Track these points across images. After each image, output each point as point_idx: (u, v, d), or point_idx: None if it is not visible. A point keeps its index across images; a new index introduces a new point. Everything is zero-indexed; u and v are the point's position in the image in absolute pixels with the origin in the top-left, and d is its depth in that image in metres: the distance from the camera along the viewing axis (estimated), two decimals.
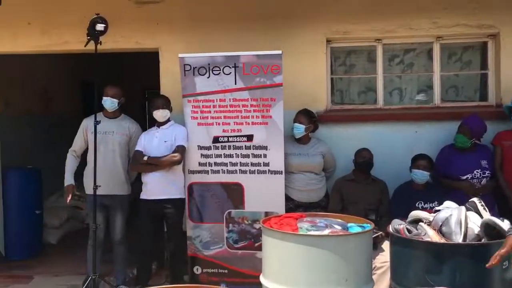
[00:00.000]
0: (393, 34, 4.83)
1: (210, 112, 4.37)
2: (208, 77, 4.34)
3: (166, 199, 4.30)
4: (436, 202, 4.02)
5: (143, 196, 4.38)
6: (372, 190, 4.41)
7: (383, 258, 3.86)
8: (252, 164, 4.34)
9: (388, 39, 4.91)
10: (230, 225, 4.40)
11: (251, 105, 4.29)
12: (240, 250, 4.39)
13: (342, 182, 4.50)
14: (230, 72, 4.30)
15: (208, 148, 4.40)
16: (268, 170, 4.32)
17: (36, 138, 6.87)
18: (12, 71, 6.00)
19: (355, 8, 4.80)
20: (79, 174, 4.64)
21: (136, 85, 9.42)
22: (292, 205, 4.42)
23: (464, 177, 4.37)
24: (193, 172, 4.43)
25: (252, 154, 4.34)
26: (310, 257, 2.93)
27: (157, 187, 4.30)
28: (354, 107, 5.02)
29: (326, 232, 3.06)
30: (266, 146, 4.31)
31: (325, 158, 4.54)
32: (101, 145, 4.34)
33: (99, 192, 4.22)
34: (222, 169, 4.39)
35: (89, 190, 4.40)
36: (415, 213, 3.29)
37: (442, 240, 2.94)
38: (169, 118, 4.45)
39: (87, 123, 4.51)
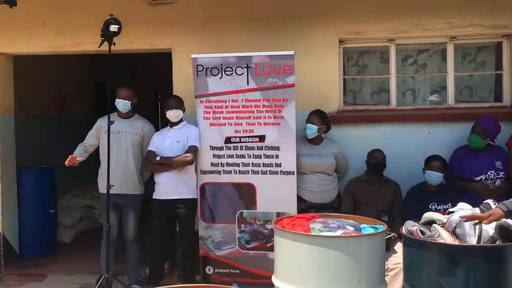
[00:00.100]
0: (407, 35, 4.80)
1: (222, 112, 4.38)
2: (220, 78, 4.35)
3: (178, 199, 4.32)
4: (449, 204, 4.00)
5: (156, 196, 4.40)
6: (384, 191, 4.39)
7: (396, 259, 3.84)
8: (264, 165, 4.34)
9: (401, 39, 4.89)
10: (242, 225, 4.40)
11: (263, 106, 4.30)
12: (252, 250, 4.39)
13: (354, 183, 4.48)
14: (243, 73, 4.30)
15: (220, 148, 4.41)
16: (280, 170, 4.32)
17: (50, 138, 6.94)
18: (27, 72, 6.07)
19: (368, 8, 4.78)
20: (94, 173, 4.68)
21: (149, 85, 9.48)
22: (304, 206, 4.41)
23: (478, 178, 4.34)
24: (205, 172, 4.45)
25: (264, 154, 4.34)
26: (323, 258, 2.92)
27: (169, 187, 4.32)
28: (367, 108, 5.00)
29: (339, 233, 3.05)
30: (278, 147, 4.31)
31: (337, 159, 4.52)
32: (114, 144, 4.37)
33: (112, 191, 4.25)
34: (234, 170, 4.40)
35: (102, 189, 4.43)
36: (428, 215, 3.27)
37: (456, 242, 2.91)
38: (182, 118, 4.47)
39: (101, 123, 4.55)
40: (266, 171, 4.34)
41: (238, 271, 4.42)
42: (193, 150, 4.30)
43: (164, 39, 4.94)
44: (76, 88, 7.84)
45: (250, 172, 4.37)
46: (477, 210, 3.05)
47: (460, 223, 2.97)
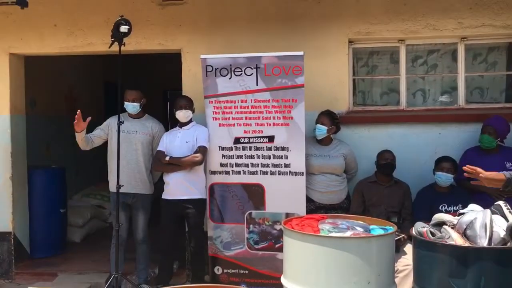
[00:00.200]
0: (417, 35, 4.78)
1: (231, 113, 4.39)
2: (229, 78, 4.35)
3: (187, 199, 4.33)
4: (460, 205, 3.97)
5: (165, 196, 4.42)
6: (394, 192, 4.37)
7: (406, 261, 3.82)
8: (273, 165, 4.34)
9: (411, 39, 4.86)
10: (251, 226, 4.40)
11: (273, 106, 4.30)
12: (261, 251, 4.39)
13: (364, 184, 4.46)
14: (252, 73, 4.31)
15: (229, 149, 4.41)
16: (289, 171, 4.31)
17: (60, 138, 7.00)
18: (38, 72, 6.12)
19: (378, 8, 4.76)
20: (103, 173, 4.71)
21: (158, 86, 9.53)
22: (313, 207, 4.40)
23: None
24: (214, 172, 4.45)
25: (273, 155, 4.34)
26: (332, 259, 2.91)
27: (178, 187, 4.33)
28: (376, 109, 4.98)
29: (348, 234, 3.04)
30: (287, 147, 4.30)
31: (346, 159, 4.51)
32: (124, 143, 4.38)
33: (123, 190, 4.27)
34: (243, 170, 4.40)
35: (113, 188, 4.46)
36: (438, 216, 3.24)
37: (467, 244, 2.89)
38: (191, 118, 4.48)
39: (112, 121, 4.56)
40: (275, 171, 4.34)
41: (246, 272, 4.42)
42: (202, 150, 4.30)
43: (174, 40, 4.96)
44: (86, 88, 7.90)
45: (259, 172, 4.37)
46: (488, 212, 3.02)
47: (471, 225, 2.94)
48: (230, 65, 4.34)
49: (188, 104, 4.45)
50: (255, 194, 4.38)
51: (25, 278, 5.10)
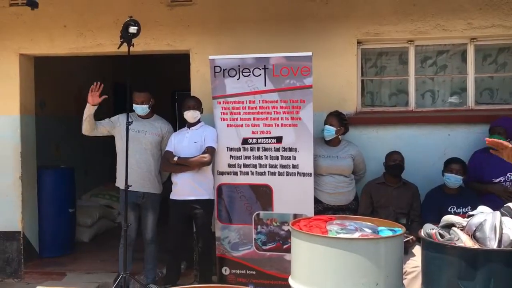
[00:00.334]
0: (426, 35, 4.75)
1: (239, 113, 4.39)
2: (238, 79, 4.35)
3: (195, 199, 4.34)
4: (469, 207, 3.96)
5: (173, 196, 4.42)
6: (403, 193, 4.35)
7: (414, 263, 3.81)
8: (281, 166, 4.34)
9: (420, 40, 4.84)
10: (259, 226, 4.40)
11: (281, 107, 4.29)
12: (269, 252, 4.39)
13: (372, 185, 4.44)
14: (260, 74, 4.31)
15: (237, 149, 4.41)
16: (297, 172, 4.31)
17: (70, 138, 7.04)
18: (48, 73, 6.16)
19: (387, 9, 4.75)
20: (112, 174, 4.72)
21: (166, 86, 9.56)
22: (321, 208, 4.39)
23: (497, 180, 4.31)
24: (222, 173, 4.46)
25: (281, 156, 4.34)
26: (340, 260, 2.90)
27: (186, 187, 4.33)
28: (385, 110, 4.96)
29: (356, 235, 3.04)
30: (295, 148, 4.30)
31: (355, 160, 4.49)
32: (133, 142, 4.38)
33: (132, 188, 4.29)
34: (251, 171, 4.40)
35: (119, 184, 4.49)
36: (447, 218, 3.22)
37: (476, 246, 2.87)
38: (199, 119, 4.49)
39: (121, 118, 4.53)
40: (283, 172, 4.33)
41: (254, 272, 4.42)
42: (210, 151, 4.31)
43: (182, 41, 4.98)
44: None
45: (267, 173, 4.37)
46: (497, 214, 3.00)
47: (480, 227, 2.92)
48: (239, 66, 4.34)
49: (196, 104, 4.45)
50: (263, 195, 4.38)
51: (34, 278, 5.14)
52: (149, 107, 4.56)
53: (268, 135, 4.35)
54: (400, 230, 3.19)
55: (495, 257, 2.80)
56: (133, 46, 4.19)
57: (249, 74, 4.33)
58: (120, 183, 4.45)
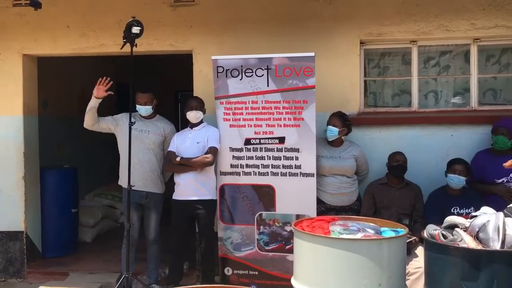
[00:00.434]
0: (429, 36, 4.75)
1: (242, 114, 4.39)
2: (240, 79, 4.36)
3: (197, 200, 4.34)
4: (472, 208, 3.95)
5: (175, 196, 4.43)
6: (405, 194, 4.34)
7: (417, 263, 3.80)
8: (284, 167, 4.34)
9: (423, 40, 4.83)
10: (261, 227, 4.40)
11: (283, 107, 4.29)
12: (271, 252, 4.39)
13: (375, 185, 4.44)
14: (263, 74, 4.31)
15: (240, 150, 4.41)
16: (300, 172, 4.30)
17: (72, 138, 7.05)
18: (50, 72, 6.17)
19: (390, 9, 4.74)
20: (115, 174, 4.73)
21: (169, 86, 9.57)
22: (324, 208, 4.39)
23: (500, 181, 4.31)
24: (224, 173, 4.46)
25: (284, 156, 4.33)
26: (342, 261, 2.90)
27: (189, 187, 4.34)
28: (388, 110, 4.95)
29: (359, 236, 3.03)
30: (298, 149, 4.29)
31: (358, 161, 4.49)
32: (136, 142, 4.39)
33: (135, 188, 4.29)
34: (253, 171, 4.40)
35: (122, 183, 4.50)
36: (450, 219, 3.22)
37: (479, 247, 2.86)
38: (202, 119, 4.49)
39: (124, 118, 4.50)
40: (286, 173, 4.33)
41: (256, 273, 4.42)
42: (213, 151, 4.31)
43: (185, 41, 4.98)
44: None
45: (269, 173, 4.37)
46: (501, 215, 2.99)
47: (484, 228, 2.92)
48: (241, 66, 4.34)
49: (199, 105, 4.46)
50: (266, 195, 4.38)
51: (36, 277, 5.15)
52: (152, 107, 4.57)
53: (271, 136, 4.35)
54: (403, 230, 3.18)
55: (498, 258, 2.79)
56: (136, 47, 4.20)
57: (252, 75, 4.33)
58: (123, 181, 4.46)
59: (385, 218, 3.77)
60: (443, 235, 2.99)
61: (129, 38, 4.11)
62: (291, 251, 3.74)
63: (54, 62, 5.90)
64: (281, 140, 4.33)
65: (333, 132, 4.41)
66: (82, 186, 6.38)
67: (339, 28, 4.77)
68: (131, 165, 4.24)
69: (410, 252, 3.85)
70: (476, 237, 2.92)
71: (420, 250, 3.86)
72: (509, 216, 3.08)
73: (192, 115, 4.43)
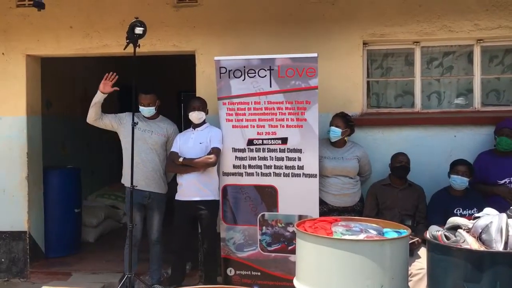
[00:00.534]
0: (432, 37, 4.74)
1: (245, 114, 4.39)
2: (243, 80, 4.36)
3: (200, 200, 4.34)
4: (475, 209, 3.94)
5: (178, 197, 4.43)
6: (408, 195, 4.33)
7: (420, 265, 3.79)
8: (286, 167, 4.34)
9: (426, 41, 4.83)
10: (264, 227, 4.40)
11: (286, 108, 4.29)
12: (273, 253, 4.39)
13: (377, 186, 4.43)
14: (265, 75, 4.31)
15: (243, 150, 4.41)
16: (302, 173, 4.30)
17: (75, 138, 7.07)
18: (53, 73, 6.19)
19: (393, 10, 4.74)
20: (118, 174, 4.73)
21: (172, 87, 9.58)
22: (326, 209, 4.38)
23: (502, 182, 4.31)
24: (227, 174, 4.46)
25: (286, 157, 4.33)
26: (345, 262, 2.90)
27: (191, 188, 4.34)
28: (391, 111, 4.95)
29: (361, 236, 3.03)
30: (301, 149, 4.29)
31: (360, 162, 4.48)
32: (138, 142, 4.39)
33: (138, 187, 4.29)
34: (256, 172, 4.40)
35: (125, 182, 4.50)
36: (453, 220, 3.21)
37: (482, 248, 2.85)
38: (204, 120, 4.49)
39: (127, 118, 4.52)
40: (288, 173, 4.33)
41: (259, 273, 4.42)
42: (216, 151, 4.31)
43: (188, 42, 4.98)
44: None
45: (272, 174, 4.37)
46: (504, 216, 2.99)
47: (486, 229, 2.91)
48: (244, 67, 4.34)
49: (202, 105, 4.46)
50: (268, 196, 4.38)
51: (39, 277, 5.16)
52: (155, 109, 4.57)
53: (273, 136, 4.35)
54: (406, 232, 3.17)
55: (501, 259, 2.78)
56: (139, 47, 4.20)
57: (255, 75, 4.33)
58: (126, 180, 4.47)
59: (387, 219, 3.76)
60: (445, 236, 2.99)
61: (132, 38, 4.12)
62: (293, 251, 3.74)
63: (57, 63, 5.91)
64: (284, 140, 4.33)
65: (336, 133, 4.41)
66: (85, 186, 6.39)
67: (342, 29, 4.77)
68: (134, 165, 4.24)
69: (412, 253, 3.84)
70: (479, 239, 2.92)
71: (422, 251, 3.85)
72: None
73: (194, 116, 4.44)
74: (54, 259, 5.53)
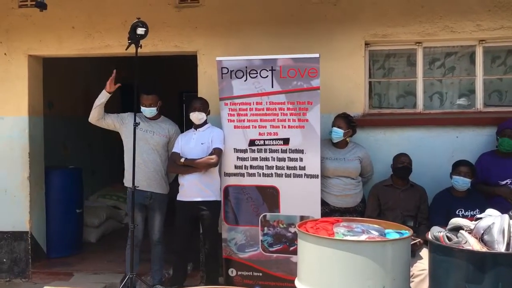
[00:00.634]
0: (434, 37, 4.73)
1: (246, 115, 4.39)
2: (245, 80, 4.35)
3: (202, 201, 4.34)
4: (477, 210, 3.93)
5: (180, 197, 4.43)
6: (410, 196, 4.33)
7: (421, 265, 3.79)
8: (288, 168, 4.33)
9: (428, 42, 4.82)
10: (265, 228, 4.39)
11: (288, 109, 4.29)
12: (275, 253, 4.38)
13: (379, 187, 4.43)
14: (267, 76, 4.30)
15: (244, 151, 4.41)
16: (304, 174, 4.30)
17: (77, 138, 7.07)
18: (55, 73, 6.19)
19: (395, 10, 4.73)
20: (119, 174, 4.73)
21: (174, 87, 9.59)
22: (328, 210, 4.38)
23: (504, 182, 4.31)
24: (229, 174, 4.46)
25: (288, 157, 4.33)
26: (346, 263, 2.90)
27: (193, 188, 4.34)
28: (393, 112, 4.94)
29: (363, 237, 3.03)
30: (302, 150, 4.29)
31: (362, 163, 4.48)
32: (140, 142, 4.39)
33: (139, 187, 4.29)
34: (258, 172, 4.40)
35: (127, 183, 4.51)
36: (455, 221, 3.21)
37: (484, 249, 2.85)
38: (206, 120, 4.49)
39: (129, 118, 4.51)
40: (290, 174, 4.32)
41: (260, 274, 4.41)
42: (218, 152, 4.31)
43: (190, 42, 4.98)
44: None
45: (274, 175, 4.36)
46: (506, 217, 2.98)
47: (488, 230, 2.90)
48: (246, 67, 4.34)
49: (202, 106, 4.45)
50: (270, 196, 4.37)
51: (41, 278, 5.16)
52: (156, 109, 4.57)
53: (275, 137, 4.35)
54: (407, 232, 3.17)
55: (503, 260, 2.78)
56: (140, 48, 4.20)
57: (256, 76, 4.33)
58: (128, 182, 4.47)
59: (389, 220, 3.76)
60: (447, 237, 2.98)
61: (134, 39, 4.11)
62: (295, 252, 3.74)
63: (59, 63, 5.92)
64: (286, 141, 4.33)
65: (338, 133, 4.40)
66: (86, 187, 6.40)
67: (343, 29, 4.77)
68: (135, 165, 4.25)
69: (414, 254, 3.83)
70: (481, 239, 2.91)
71: (424, 252, 3.84)
72: None
73: (195, 117, 4.44)
74: (56, 259, 5.53)
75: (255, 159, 4.39)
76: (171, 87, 9.12)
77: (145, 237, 4.64)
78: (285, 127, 4.32)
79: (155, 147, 4.53)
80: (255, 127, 4.38)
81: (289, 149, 4.32)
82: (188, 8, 4.98)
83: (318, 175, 4.27)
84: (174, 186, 4.63)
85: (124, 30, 4.30)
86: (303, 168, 4.29)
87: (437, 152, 4.66)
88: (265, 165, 4.38)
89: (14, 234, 5.22)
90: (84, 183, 6.14)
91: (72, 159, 6.85)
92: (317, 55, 4.21)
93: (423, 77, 4.86)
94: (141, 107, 4.51)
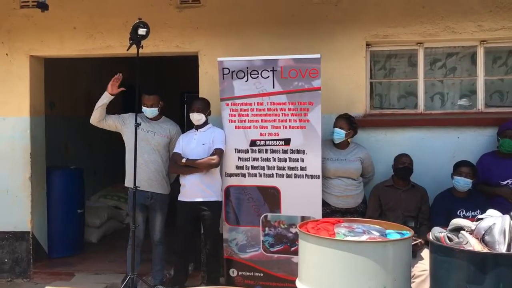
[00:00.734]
0: (436, 38, 4.73)
1: (247, 115, 4.39)
2: (246, 81, 4.36)
3: (203, 201, 4.34)
4: (478, 211, 3.93)
5: (181, 197, 4.44)
6: (411, 196, 4.33)
7: (422, 266, 3.79)
8: (289, 168, 4.33)
9: (430, 42, 4.82)
10: (266, 228, 4.40)
11: (289, 109, 4.29)
12: (276, 254, 4.39)
13: (380, 188, 4.43)
14: (268, 76, 4.31)
15: (246, 151, 4.42)
16: (305, 174, 4.30)
17: (79, 138, 7.08)
18: (57, 73, 6.20)
19: (396, 11, 4.73)
20: (120, 175, 4.74)
21: (175, 87, 9.60)
22: (329, 210, 4.38)
23: (504, 183, 4.31)
24: (230, 175, 4.46)
25: (289, 158, 4.33)
26: (347, 263, 2.90)
27: (194, 189, 4.34)
28: (394, 112, 4.94)
29: (364, 238, 3.03)
30: (304, 150, 4.29)
31: (363, 163, 4.48)
32: (141, 142, 4.40)
33: (140, 188, 4.30)
34: (259, 173, 4.40)
35: (128, 183, 4.51)
36: (456, 221, 3.21)
37: (485, 250, 2.85)
38: (206, 121, 4.49)
39: (130, 119, 4.52)
40: (291, 174, 4.32)
41: (261, 274, 4.41)
42: (219, 152, 4.31)
43: (191, 43, 4.99)
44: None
45: (275, 175, 4.37)
46: (507, 218, 2.98)
47: (489, 230, 2.90)
48: (247, 68, 4.34)
49: (202, 107, 4.45)
50: (271, 197, 4.37)
51: (42, 278, 5.17)
52: (158, 109, 4.58)
53: (276, 137, 4.35)
54: (408, 233, 3.17)
55: (504, 261, 2.78)
56: (142, 48, 4.21)
57: (258, 76, 4.33)
58: (129, 182, 4.47)
59: (390, 221, 3.76)
60: (448, 237, 2.98)
61: (135, 39, 4.12)
62: (296, 253, 3.74)
63: (60, 64, 5.93)
64: (287, 141, 4.33)
65: (340, 134, 4.40)
66: (88, 187, 6.41)
67: (345, 30, 4.77)
68: (136, 165, 4.25)
69: (415, 254, 3.83)
70: (482, 240, 2.91)
71: (425, 253, 3.84)
72: None
73: (194, 117, 4.44)
74: (57, 260, 5.54)
75: (256, 159, 4.39)
76: (172, 88, 9.13)
77: (146, 238, 4.64)
78: (286, 127, 4.32)
79: (156, 148, 4.54)
80: (256, 127, 4.38)
81: (290, 149, 4.32)
82: (189, 9, 4.98)
83: (319, 176, 4.27)
84: (175, 187, 4.63)
85: (125, 30, 4.30)
86: (304, 168, 4.29)
87: (438, 152, 4.65)
88: (266, 166, 4.38)
89: (16, 234, 5.23)
90: (85, 183, 6.15)
91: (73, 159, 6.86)
92: (318, 56, 4.21)
93: (424, 77, 4.86)
94: (143, 107, 4.52)
